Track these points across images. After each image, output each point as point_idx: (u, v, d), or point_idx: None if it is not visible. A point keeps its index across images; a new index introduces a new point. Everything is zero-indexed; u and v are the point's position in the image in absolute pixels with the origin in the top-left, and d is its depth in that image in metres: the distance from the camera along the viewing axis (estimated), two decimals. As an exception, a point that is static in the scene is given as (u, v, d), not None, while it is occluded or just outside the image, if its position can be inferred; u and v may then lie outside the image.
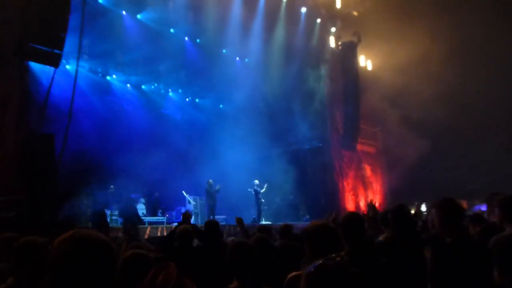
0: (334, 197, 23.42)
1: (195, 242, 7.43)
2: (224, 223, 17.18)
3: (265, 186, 21.08)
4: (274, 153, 24.12)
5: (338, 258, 2.37)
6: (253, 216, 20.55)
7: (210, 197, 19.33)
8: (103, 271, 2.12)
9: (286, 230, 7.23)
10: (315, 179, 23.62)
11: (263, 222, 19.32)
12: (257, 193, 20.68)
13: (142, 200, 19.45)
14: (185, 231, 6.93)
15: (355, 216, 4.50)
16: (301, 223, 18.28)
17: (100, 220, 12.01)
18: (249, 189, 20.86)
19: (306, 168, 23.87)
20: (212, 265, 6.22)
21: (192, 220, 14.41)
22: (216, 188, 19.50)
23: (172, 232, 7.71)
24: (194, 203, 19.85)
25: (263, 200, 20.88)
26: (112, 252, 2.19)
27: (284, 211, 22.90)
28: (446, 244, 3.97)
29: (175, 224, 12.36)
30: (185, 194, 19.94)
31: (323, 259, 2.38)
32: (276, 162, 22.84)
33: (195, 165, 21.09)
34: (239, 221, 8.08)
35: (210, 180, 19.63)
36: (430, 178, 23.55)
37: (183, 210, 16.78)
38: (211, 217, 18.47)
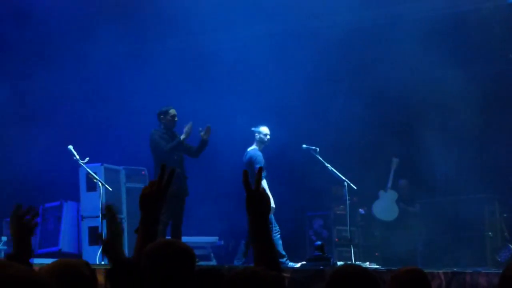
0: None
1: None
2: (212, 261, 8.88)
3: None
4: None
5: None
6: (316, 242, 8.31)
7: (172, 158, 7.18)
8: None
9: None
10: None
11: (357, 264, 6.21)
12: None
13: None
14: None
15: None
16: (489, 272, 7.51)
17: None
18: (304, 146, 8.50)
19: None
20: None
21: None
22: (183, 135, 7.38)
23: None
24: (110, 189, 7.57)
25: (354, 188, 8.48)
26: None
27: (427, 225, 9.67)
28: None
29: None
30: (72, 151, 7.36)
31: None
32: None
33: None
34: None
35: (172, 110, 7.56)
36: None
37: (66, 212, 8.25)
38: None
